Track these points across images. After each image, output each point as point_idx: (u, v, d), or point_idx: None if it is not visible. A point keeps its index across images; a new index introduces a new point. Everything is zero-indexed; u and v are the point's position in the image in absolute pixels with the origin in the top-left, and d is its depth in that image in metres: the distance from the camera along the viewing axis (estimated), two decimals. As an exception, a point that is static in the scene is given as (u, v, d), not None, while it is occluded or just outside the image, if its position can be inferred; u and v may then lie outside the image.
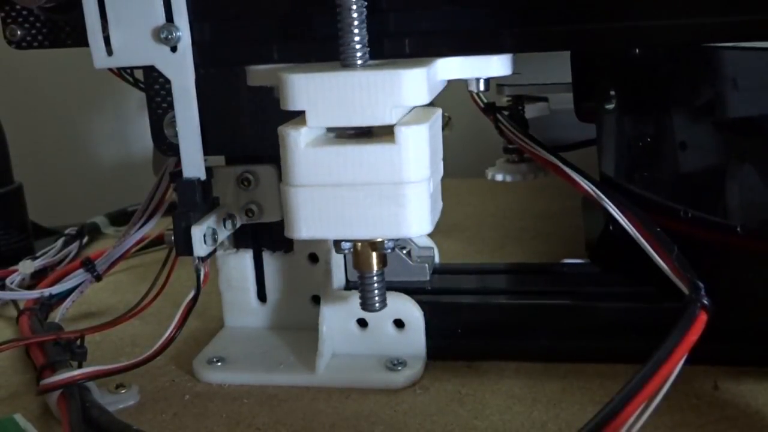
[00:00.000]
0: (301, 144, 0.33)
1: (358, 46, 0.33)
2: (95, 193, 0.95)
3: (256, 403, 0.40)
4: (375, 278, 0.36)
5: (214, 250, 0.41)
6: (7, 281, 0.56)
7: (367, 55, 0.34)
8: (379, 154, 0.32)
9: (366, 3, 0.33)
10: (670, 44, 0.39)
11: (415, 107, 0.35)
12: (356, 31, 0.33)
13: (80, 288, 0.52)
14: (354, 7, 0.33)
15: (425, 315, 0.43)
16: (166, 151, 0.41)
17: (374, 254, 0.36)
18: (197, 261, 0.40)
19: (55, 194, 0.94)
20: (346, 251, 0.35)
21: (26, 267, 0.57)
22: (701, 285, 0.32)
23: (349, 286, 0.45)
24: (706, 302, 0.32)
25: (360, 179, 0.32)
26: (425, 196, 0.33)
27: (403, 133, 0.32)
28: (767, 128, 0.38)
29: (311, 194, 0.33)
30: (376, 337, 0.43)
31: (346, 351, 0.43)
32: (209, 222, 0.40)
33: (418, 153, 0.32)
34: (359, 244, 0.35)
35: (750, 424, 0.36)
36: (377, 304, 0.37)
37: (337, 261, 0.45)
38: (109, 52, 0.38)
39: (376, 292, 0.37)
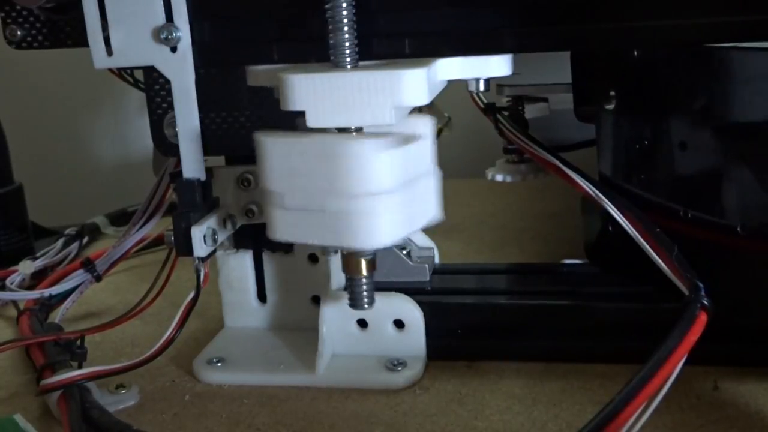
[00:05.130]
0: None
1: (347, 44, 0.34)
2: (95, 193, 0.95)
3: (256, 403, 0.40)
4: (363, 281, 0.37)
5: (214, 251, 0.41)
6: (7, 281, 0.56)
7: (357, 56, 0.34)
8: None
9: (354, 3, 0.33)
10: (670, 44, 0.39)
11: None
12: (345, 29, 0.33)
13: (80, 288, 0.52)
14: (344, 5, 0.33)
15: (425, 315, 0.43)
16: (166, 151, 0.41)
17: (362, 259, 0.36)
18: (197, 261, 0.40)
19: (55, 194, 0.94)
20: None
21: (26, 267, 0.57)
22: (701, 285, 0.32)
23: (349, 286, 0.45)
24: (706, 302, 0.32)
25: None
26: (278, 208, 0.33)
27: (260, 140, 0.33)
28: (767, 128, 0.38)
29: None
30: (376, 338, 0.43)
31: (346, 351, 0.43)
32: (209, 222, 0.40)
33: (272, 165, 0.33)
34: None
35: (750, 424, 0.36)
36: (366, 303, 0.37)
37: (337, 261, 0.45)
38: (109, 52, 0.38)
39: (364, 292, 0.37)
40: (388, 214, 0.32)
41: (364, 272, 0.36)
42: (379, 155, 0.32)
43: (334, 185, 0.32)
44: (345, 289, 0.44)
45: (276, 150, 0.33)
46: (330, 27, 0.34)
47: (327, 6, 0.33)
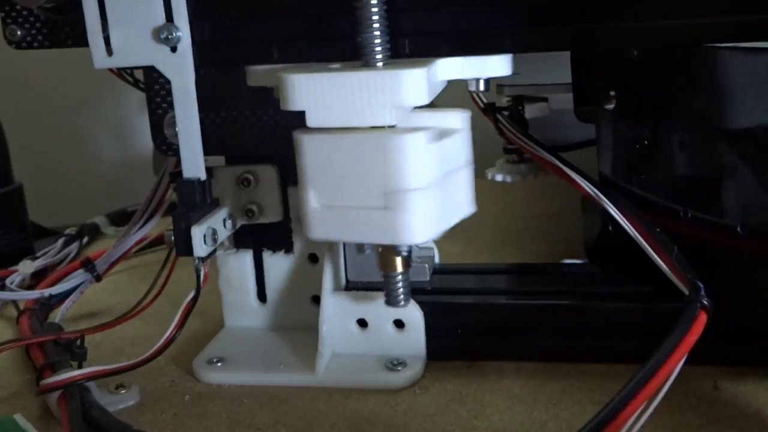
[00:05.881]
0: None
1: (378, 47, 0.33)
2: (95, 193, 0.95)
3: (256, 403, 0.40)
4: (399, 278, 0.37)
5: (214, 251, 0.41)
6: (7, 281, 0.56)
7: (389, 53, 0.34)
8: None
9: (384, 3, 0.33)
10: (670, 44, 0.39)
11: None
12: (377, 25, 0.33)
13: (80, 288, 0.52)
14: (374, 1, 0.33)
15: (425, 315, 0.43)
16: (166, 151, 0.41)
17: (397, 257, 0.36)
18: (197, 261, 0.40)
19: (55, 194, 0.94)
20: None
21: (26, 267, 0.57)
22: (701, 285, 0.32)
23: (349, 286, 0.45)
24: (706, 302, 0.32)
25: None
26: (315, 207, 0.34)
27: (297, 138, 0.33)
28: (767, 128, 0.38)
29: None
30: (376, 337, 0.43)
31: (346, 351, 0.43)
32: (209, 222, 0.40)
33: (308, 163, 0.34)
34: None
35: (750, 424, 0.36)
36: (401, 301, 0.37)
37: (338, 261, 0.45)
38: (109, 52, 0.38)
39: (400, 289, 0.37)
40: (426, 210, 0.33)
41: (400, 269, 0.36)
42: (417, 150, 0.32)
43: (372, 181, 0.32)
44: (348, 288, 0.44)
45: (312, 147, 0.33)
46: (359, 25, 0.33)
47: (356, 5, 0.33)
